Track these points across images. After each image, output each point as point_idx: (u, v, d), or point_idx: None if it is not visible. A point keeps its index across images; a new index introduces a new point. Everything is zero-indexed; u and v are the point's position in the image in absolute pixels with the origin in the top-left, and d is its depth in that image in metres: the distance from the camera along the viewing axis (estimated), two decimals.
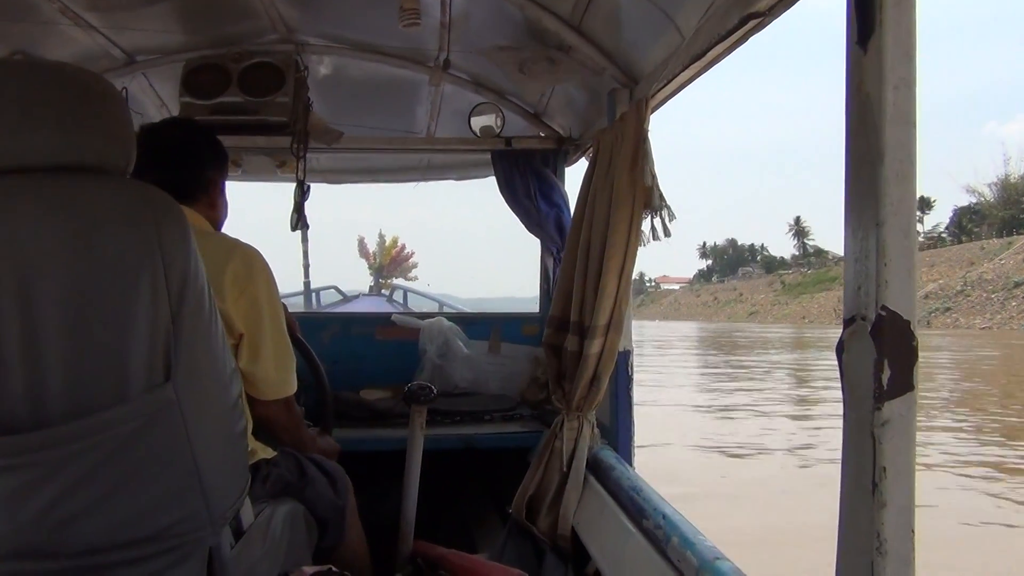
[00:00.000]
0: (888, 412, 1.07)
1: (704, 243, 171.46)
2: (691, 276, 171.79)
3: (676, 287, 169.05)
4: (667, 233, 2.37)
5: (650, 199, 2.33)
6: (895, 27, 1.07)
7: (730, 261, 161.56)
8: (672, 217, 2.36)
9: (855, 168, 1.13)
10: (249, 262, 1.98)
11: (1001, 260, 75.91)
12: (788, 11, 1.63)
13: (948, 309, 71.45)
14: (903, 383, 1.07)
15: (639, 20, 2.39)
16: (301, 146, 3.30)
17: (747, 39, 1.78)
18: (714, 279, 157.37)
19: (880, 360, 1.07)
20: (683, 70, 2.12)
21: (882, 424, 1.06)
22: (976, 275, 75.10)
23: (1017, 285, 67.18)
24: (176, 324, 1.33)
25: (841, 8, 1.15)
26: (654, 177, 2.32)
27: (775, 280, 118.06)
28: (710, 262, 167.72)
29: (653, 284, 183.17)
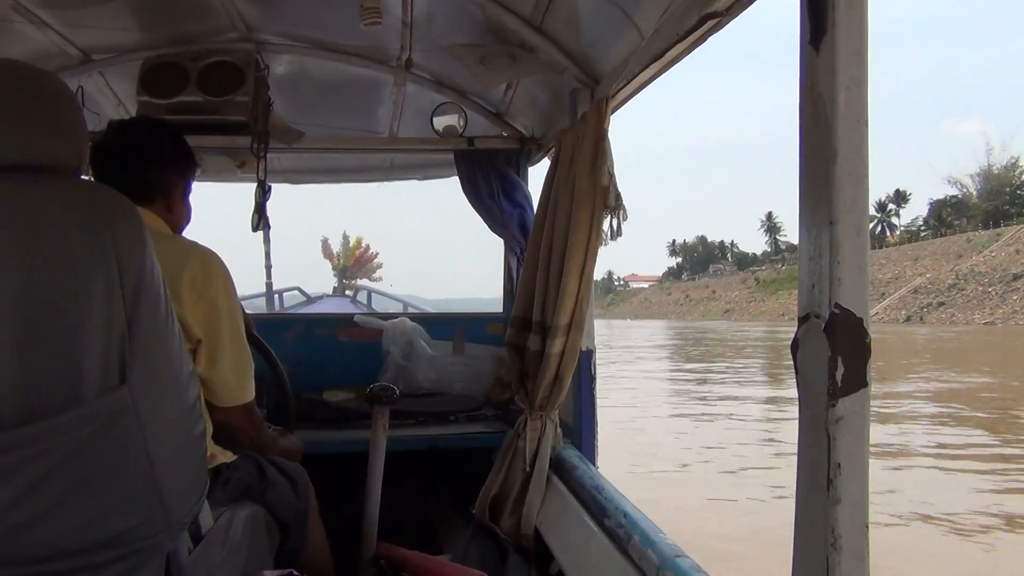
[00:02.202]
0: (842, 409, 1.08)
1: (673, 240, 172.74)
2: (660, 274, 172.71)
3: (645, 285, 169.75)
4: (619, 233, 2.38)
5: (608, 199, 2.34)
6: (847, 28, 1.08)
7: (700, 258, 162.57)
8: (626, 217, 2.38)
9: (809, 167, 1.14)
10: (207, 266, 1.95)
11: (991, 252, 75.49)
12: (747, 11, 1.65)
13: (942, 304, 70.93)
14: (856, 380, 1.08)
15: (599, 20, 2.39)
16: (261, 146, 3.27)
17: (706, 39, 1.80)
18: (684, 277, 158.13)
19: (834, 357, 1.08)
20: (643, 70, 2.13)
21: (836, 421, 1.08)
22: (967, 268, 74.69)
23: (1016, 277, 66.57)
24: (131, 327, 1.31)
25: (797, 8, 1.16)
26: (612, 177, 2.33)
27: (748, 277, 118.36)
28: (680, 260, 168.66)
29: (622, 283, 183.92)
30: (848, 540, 1.07)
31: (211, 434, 1.98)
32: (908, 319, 70.61)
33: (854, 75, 1.09)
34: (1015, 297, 64.29)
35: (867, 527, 1.08)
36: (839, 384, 1.07)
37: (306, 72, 3.62)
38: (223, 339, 1.96)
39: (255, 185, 3.46)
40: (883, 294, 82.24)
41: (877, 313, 76.40)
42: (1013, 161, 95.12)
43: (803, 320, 1.14)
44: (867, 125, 1.09)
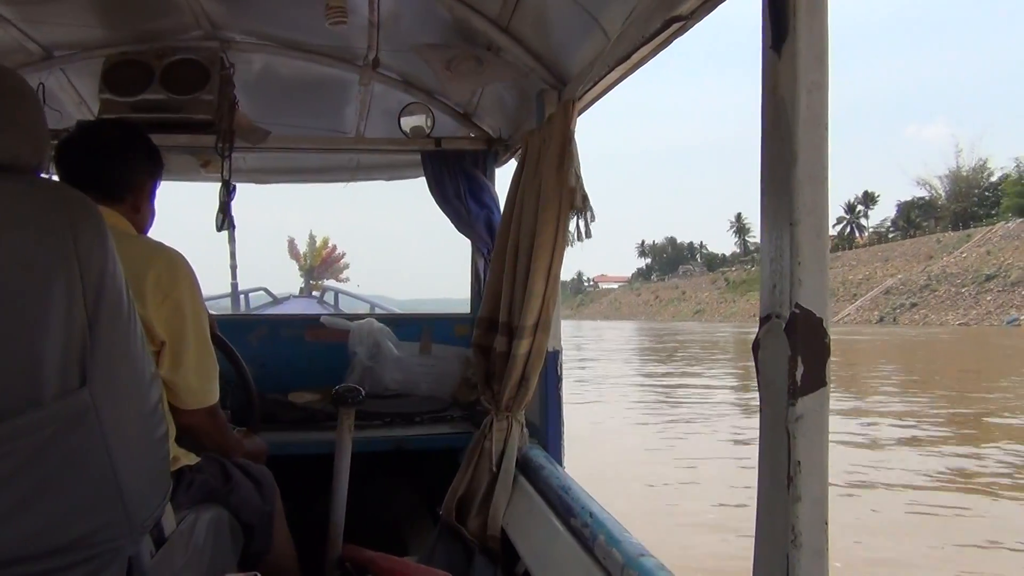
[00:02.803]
0: (802, 408, 1.09)
1: (643, 241, 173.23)
2: (629, 275, 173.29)
3: (615, 286, 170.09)
4: (588, 234, 2.39)
5: (574, 200, 2.35)
6: (807, 32, 1.10)
7: (669, 259, 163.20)
8: (593, 218, 2.39)
9: (770, 169, 1.15)
10: (172, 267, 1.93)
11: (962, 253, 75.65)
12: (713, 15, 1.67)
13: (915, 304, 70.87)
14: (816, 379, 1.10)
15: (566, 22, 2.40)
16: (226, 145, 3.24)
17: (671, 42, 1.81)
18: (654, 277, 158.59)
19: (794, 357, 1.09)
20: (609, 72, 2.14)
21: (796, 419, 1.09)
22: (938, 269, 74.75)
23: (989, 278, 66.60)
24: (92, 328, 1.29)
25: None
26: (578, 178, 2.34)
27: (718, 278, 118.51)
28: (649, 260, 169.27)
29: (592, 283, 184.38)
30: (808, 537, 1.09)
31: (174, 436, 1.97)
32: (881, 320, 71.14)
33: (815, 79, 1.10)
34: (988, 298, 64.45)
35: (826, 524, 1.10)
36: (799, 383, 1.09)
37: (272, 71, 3.59)
38: (187, 341, 1.94)
39: (219, 185, 3.44)
40: (855, 295, 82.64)
41: (849, 314, 77.19)
42: (981, 163, 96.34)
43: (764, 320, 1.15)
44: (827, 128, 1.11)
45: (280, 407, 3.33)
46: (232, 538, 2.07)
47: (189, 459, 2.01)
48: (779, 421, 1.11)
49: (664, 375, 22.92)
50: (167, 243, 2.00)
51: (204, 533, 1.89)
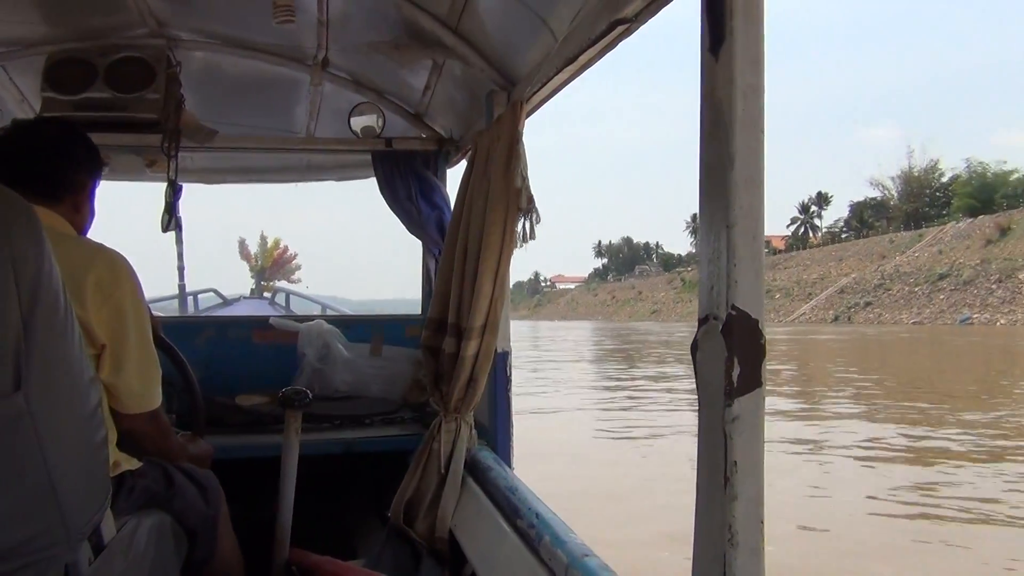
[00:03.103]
0: (738, 408, 1.11)
1: (599, 242, 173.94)
2: (586, 275, 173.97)
3: (572, 286, 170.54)
4: (532, 236, 2.40)
5: (520, 201, 2.35)
6: (744, 36, 1.11)
7: (626, 259, 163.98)
8: (538, 220, 2.40)
9: (708, 172, 1.17)
10: (114, 268, 1.90)
11: (914, 252, 76.51)
12: (659, 18, 1.68)
13: (869, 304, 71.46)
14: (752, 380, 1.11)
15: (514, 23, 2.41)
16: (172, 144, 3.20)
17: (616, 44, 1.82)
18: (610, 278, 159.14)
19: (731, 358, 1.11)
20: (557, 73, 2.15)
21: (733, 420, 1.11)
22: (892, 268, 75.60)
23: (942, 277, 67.18)
24: (27, 331, 1.27)
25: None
26: (524, 179, 2.35)
27: (674, 278, 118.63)
28: (605, 260, 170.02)
29: (548, 284, 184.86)
30: (744, 536, 1.10)
31: (115, 441, 1.93)
32: (836, 319, 71.64)
33: (751, 82, 1.12)
34: (941, 296, 65.07)
35: (762, 523, 1.12)
36: (735, 384, 1.10)
37: (220, 69, 3.55)
38: (129, 344, 1.91)
39: (165, 185, 3.39)
40: (810, 294, 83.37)
41: (804, 313, 77.88)
42: (933, 164, 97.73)
43: (703, 321, 1.17)
44: (763, 131, 1.13)
45: (227, 410, 3.29)
46: (175, 544, 2.04)
47: (130, 464, 1.98)
48: (716, 422, 1.13)
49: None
50: (110, 244, 1.96)
51: (145, 539, 1.86)
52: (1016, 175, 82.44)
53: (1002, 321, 54.87)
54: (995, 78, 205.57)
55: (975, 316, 58.08)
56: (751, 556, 1.10)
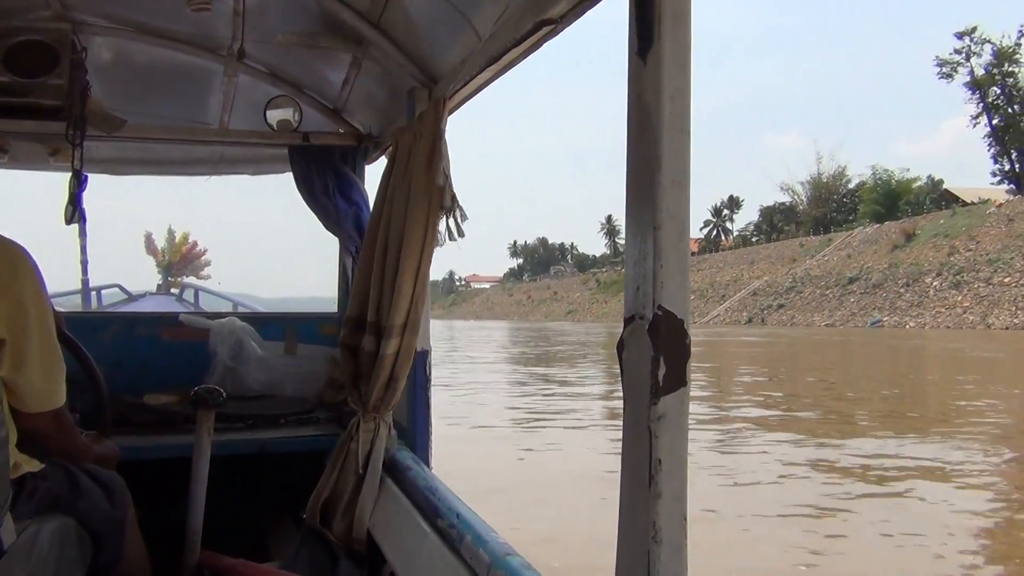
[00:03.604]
0: (663, 407, 1.12)
1: (515, 242, 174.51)
2: (501, 275, 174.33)
3: (487, 286, 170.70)
4: (460, 234, 2.40)
5: (443, 199, 2.34)
6: (672, 40, 1.13)
7: (541, 260, 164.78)
8: (464, 218, 2.39)
9: (635, 174, 1.18)
10: (12, 261, 1.82)
11: (824, 256, 78.19)
12: (585, 21, 1.69)
13: (782, 306, 72.77)
14: (677, 379, 1.13)
15: (437, 20, 2.39)
16: (77, 133, 3.08)
17: (541, 45, 1.82)
18: (525, 278, 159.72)
19: (656, 357, 1.12)
20: (480, 72, 2.14)
21: (658, 418, 1.12)
22: (802, 271, 77.14)
23: (852, 281, 68.69)
24: None
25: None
26: (447, 178, 2.34)
27: (589, 279, 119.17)
28: (521, 261, 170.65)
29: (463, 283, 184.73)
30: (668, 533, 1.12)
31: (15, 441, 1.85)
32: (750, 320, 72.74)
33: (678, 86, 1.13)
34: (852, 300, 66.31)
35: (685, 520, 1.13)
36: (661, 383, 1.12)
37: (129, 57, 3.43)
38: (30, 340, 1.83)
39: (69, 175, 3.26)
40: (724, 296, 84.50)
41: (719, 314, 78.86)
42: (840, 170, 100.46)
43: (628, 321, 1.18)
44: (689, 135, 1.14)
45: (135, 409, 3.19)
46: (79, 548, 1.97)
47: (32, 466, 1.90)
48: (641, 420, 1.14)
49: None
50: (8, 236, 1.87)
51: (48, 544, 1.79)
52: (918, 183, 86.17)
53: (911, 324, 56.52)
54: (894, 92, 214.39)
55: (885, 319, 59.73)
56: (674, 553, 1.12)
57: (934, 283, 60.05)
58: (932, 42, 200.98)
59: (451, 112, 2.47)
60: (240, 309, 7.96)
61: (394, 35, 2.65)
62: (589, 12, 1.62)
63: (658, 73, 1.13)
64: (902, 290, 62.42)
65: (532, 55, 1.97)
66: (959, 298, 56.30)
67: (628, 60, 1.17)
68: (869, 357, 30.38)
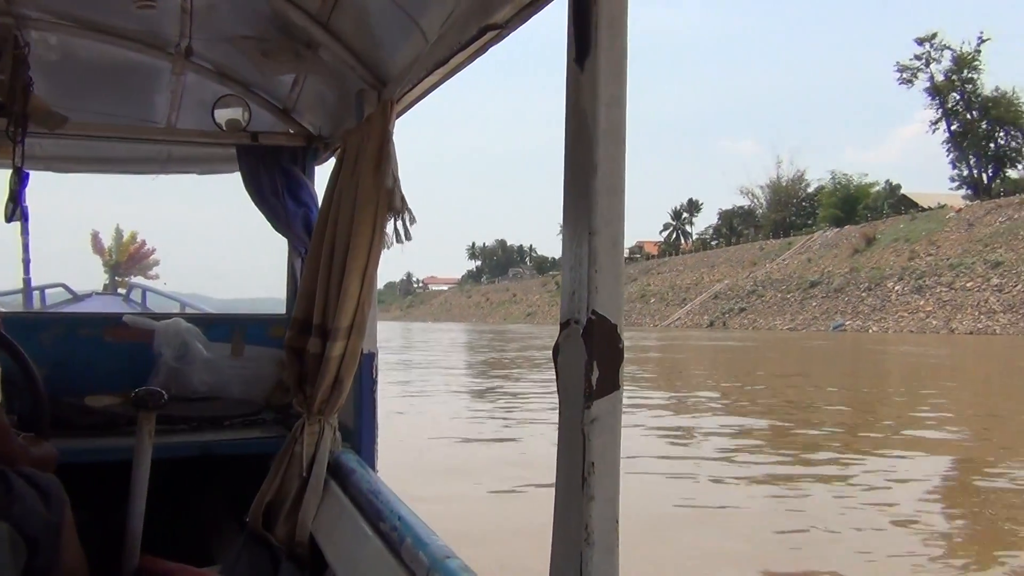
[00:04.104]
0: (597, 410, 1.14)
1: (473, 244, 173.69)
2: (459, 277, 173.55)
3: (445, 288, 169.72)
4: (408, 236, 2.40)
5: (392, 201, 2.34)
6: (608, 48, 1.15)
7: (500, 262, 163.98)
8: (413, 220, 2.39)
9: (571, 180, 1.19)
10: None
11: (784, 260, 78.20)
12: (530, 26, 1.71)
13: (743, 310, 72.39)
14: (610, 383, 1.15)
15: (386, 22, 2.39)
16: (18, 129, 3.02)
17: (487, 49, 1.84)
18: (484, 280, 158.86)
19: (590, 362, 1.13)
20: (428, 74, 2.15)
21: (591, 422, 1.13)
22: (763, 275, 76.87)
23: (813, 285, 68.51)
24: None
25: None
26: (396, 180, 2.34)
27: (549, 281, 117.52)
28: (479, 263, 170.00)
29: (421, 285, 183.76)
30: (600, 535, 1.13)
31: None
32: (711, 324, 72.32)
33: (614, 93, 1.15)
34: (814, 303, 66.15)
35: (617, 522, 1.15)
36: (594, 387, 1.13)
37: (73, 53, 3.36)
38: None
39: (10, 172, 3.20)
40: (684, 299, 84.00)
41: (680, 318, 78.56)
42: (799, 174, 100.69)
43: (564, 326, 1.19)
44: (625, 142, 1.16)
45: (75, 411, 3.13)
46: (12, 554, 1.93)
47: None
48: (575, 423, 1.15)
49: None
50: None
51: None
52: (876, 188, 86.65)
53: (874, 328, 56.62)
54: (845, 100, 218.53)
55: (848, 323, 59.73)
56: (606, 555, 1.13)
57: (896, 287, 60.32)
58: (884, 51, 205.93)
59: (400, 114, 2.47)
60: (188, 310, 7.86)
61: (343, 37, 2.64)
62: (535, 17, 1.64)
63: (594, 80, 1.14)
64: (864, 294, 62.59)
65: (483, 58, 1.98)
66: (922, 303, 56.57)
67: (566, 67, 1.19)
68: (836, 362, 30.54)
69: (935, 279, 57.62)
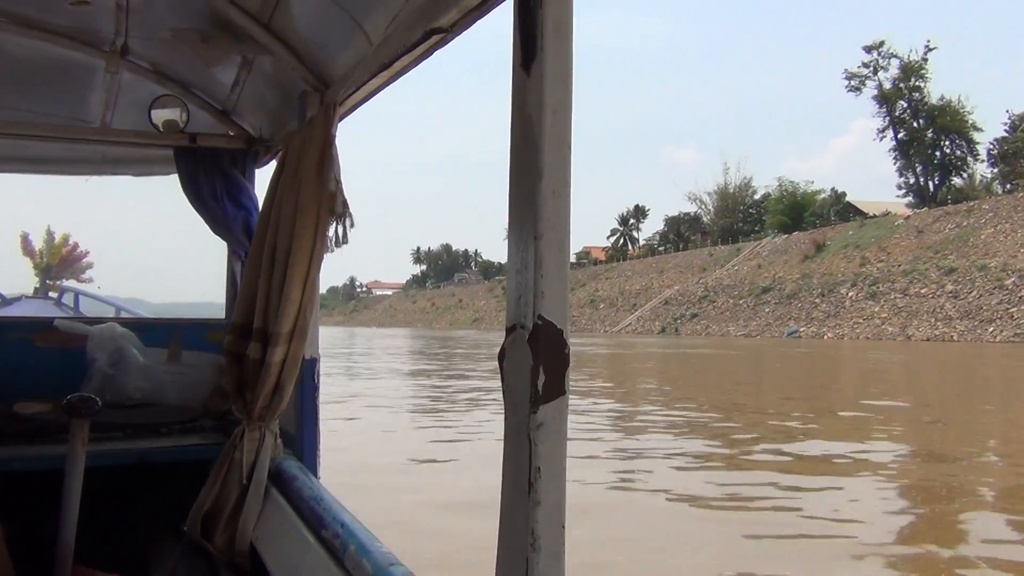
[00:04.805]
0: (543, 415, 1.14)
1: (418, 248, 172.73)
2: (404, 281, 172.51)
3: (389, 292, 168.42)
4: (345, 240, 2.38)
5: (334, 205, 2.32)
6: (554, 54, 1.15)
7: (445, 266, 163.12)
8: (353, 224, 2.38)
9: (516, 184, 1.19)
10: None
11: (734, 266, 78.29)
12: (474, 32, 1.71)
13: (695, 315, 71.69)
14: (556, 388, 1.15)
15: (329, 24, 2.37)
16: None
17: (432, 53, 1.83)
18: (429, 285, 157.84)
19: (536, 367, 1.13)
20: (372, 77, 2.13)
21: (537, 427, 1.13)
22: (714, 280, 76.66)
23: (765, 291, 68.13)
24: None
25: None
26: (338, 183, 2.32)
27: (495, 286, 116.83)
28: (424, 267, 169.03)
29: (364, 289, 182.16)
30: (546, 540, 1.13)
31: None
32: (663, 330, 71.22)
33: (560, 98, 1.16)
34: (767, 309, 65.65)
35: (563, 527, 1.15)
36: (540, 392, 1.13)
37: (3, 50, 3.25)
38: None
39: None
40: (634, 305, 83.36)
41: (631, 324, 77.86)
42: (746, 181, 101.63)
43: (510, 331, 1.19)
44: (570, 147, 1.17)
45: (4, 419, 3.05)
46: None
47: None
48: (521, 428, 1.15)
49: None
50: None
51: None
52: (822, 195, 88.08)
53: (829, 335, 56.16)
54: (783, 112, 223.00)
55: (802, 329, 59.25)
56: (552, 560, 1.13)
57: (850, 294, 60.20)
58: (823, 62, 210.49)
59: (343, 117, 2.45)
60: (123, 314, 7.69)
61: (285, 37, 2.60)
62: (480, 21, 1.64)
63: (540, 86, 1.15)
64: (817, 300, 62.42)
65: (427, 62, 1.97)
66: (876, 309, 56.39)
67: (512, 72, 1.19)
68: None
69: (889, 285, 57.76)
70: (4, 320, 4.26)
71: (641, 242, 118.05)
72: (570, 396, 1.16)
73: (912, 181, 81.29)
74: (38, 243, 20.65)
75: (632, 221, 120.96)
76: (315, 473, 2.68)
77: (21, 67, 3.42)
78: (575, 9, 1.18)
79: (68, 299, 10.90)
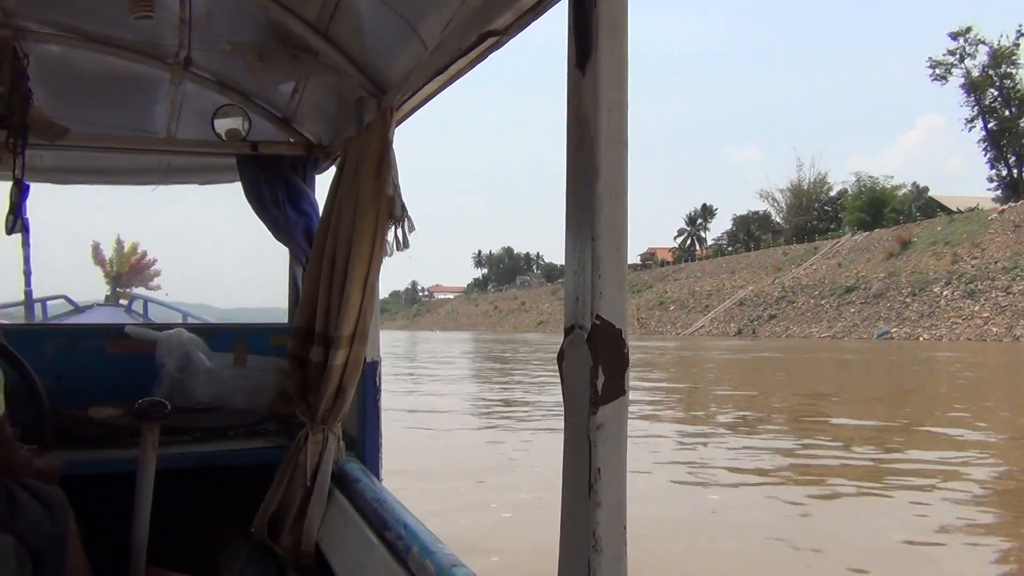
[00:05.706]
0: (602, 416, 1.13)
1: (479, 251, 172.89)
2: (465, 285, 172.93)
3: (451, 296, 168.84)
4: (406, 244, 2.40)
5: (392, 209, 2.34)
6: (609, 53, 1.14)
7: (506, 269, 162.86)
8: (412, 228, 2.39)
9: (573, 185, 1.19)
10: None
11: (811, 265, 74.91)
12: (528, 32, 1.71)
13: (773, 316, 69.19)
14: (616, 388, 1.14)
15: (385, 30, 2.39)
16: (18, 141, 3.02)
17: (486, 56, 1.83)
18: (490, 288, 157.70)
19: (595, 367, 1.13)
20: (428, 82, 2.14)
21: (597, 428, 1.13)
22: (791, 280, 73.67)
23: (849, 290, 64.91)
24: None
25: None
26: (396, 187, 2.34)
27: (559, 288, 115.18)
28: (485, 271, 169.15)
29: (426, 293, 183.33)
30: (608, 542, 1.12)
31: None
32: (739, 332, 68.76)
33: (615, 98, 1.15)
34: (852, 310, 62.18)
35: (625, 529, 1.14)
36: (599, 393, 1.12)
37: (72, 65, 3.37)
38: None
39: (11, 184, 3.20)
40: (707, 307, 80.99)
41: (704, 326, 75.73)
42: (821, 177, 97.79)
43: (568, 331, 1.18)
44: (626, 145, 1.16)
45: (78, 423, 3.13)
46: (18, 567, 1.92)
47: None
48: (581, 429, 1.14)
49: None
50: None
51: None
52: (903, 190, 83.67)
53: (925, 336, 52.64)
54: (846, 110, 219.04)
55: (894, 330, 55.86)
56: (614, 562, 1.13)
57: (944, 292, 56.31)
58: (886, 59, 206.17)
59: (400, 122, 2.47)
60: (190, 320, 7.86)
61: (342, 45, 2.64)
62: (535, 23, 1.63)
63: (595, 85, 1.14)
64: (908, 300, 58.73)
65: (482, 65, 1.97)
66: (976, 308, 52.39)
67: (567, 72, 1.19)
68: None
69: (988, 283, 53.68)
70: (78, 328, 4.40)
71: (709, 242, 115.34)
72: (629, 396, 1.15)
73: (1005, 173, 75.34)
74: (108, 252, 21.25)
75: (700, 221, 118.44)
76: (377, 475, 2.71)
77: (91, 82, 3.53)
78: (629, 8, 1.17)
79: (137, 306, 11.17)
